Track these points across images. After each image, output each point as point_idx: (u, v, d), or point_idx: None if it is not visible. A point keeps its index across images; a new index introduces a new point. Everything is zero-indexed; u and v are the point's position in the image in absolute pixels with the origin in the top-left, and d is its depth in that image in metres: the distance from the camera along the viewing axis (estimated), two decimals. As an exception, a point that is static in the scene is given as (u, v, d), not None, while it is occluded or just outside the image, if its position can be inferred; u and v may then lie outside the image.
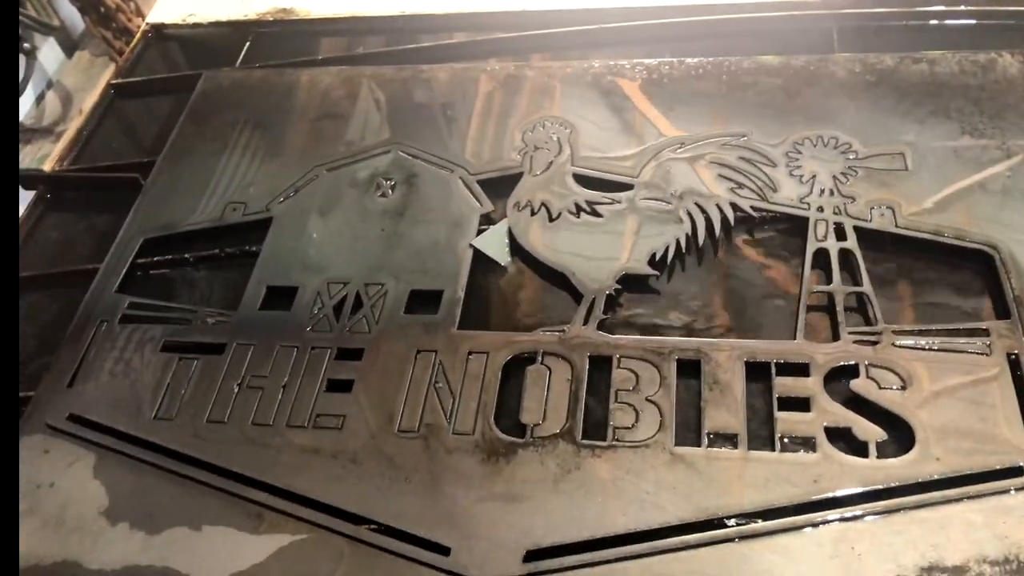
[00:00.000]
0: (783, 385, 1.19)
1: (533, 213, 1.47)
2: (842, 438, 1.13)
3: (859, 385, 1.17)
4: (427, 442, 1.21)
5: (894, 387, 1.16)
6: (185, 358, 1.37)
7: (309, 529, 1.15)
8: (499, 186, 1.54)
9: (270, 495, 1.19)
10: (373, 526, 1.14)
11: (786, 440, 1.14)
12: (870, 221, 1.36)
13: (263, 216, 1.57)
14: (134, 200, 1.66)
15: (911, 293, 1.30)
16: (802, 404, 1.17)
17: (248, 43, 2.05)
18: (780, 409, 1.17)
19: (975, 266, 1.30)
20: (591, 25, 1.89)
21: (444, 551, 1.10)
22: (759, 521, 1.08)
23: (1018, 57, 1.57)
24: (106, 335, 1.43)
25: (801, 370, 1.20)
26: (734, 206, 1.43)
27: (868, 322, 1.25)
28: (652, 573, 1.05)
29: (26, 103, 2.05)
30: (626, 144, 1.56)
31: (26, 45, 2.00)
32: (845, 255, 1.33)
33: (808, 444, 1.13)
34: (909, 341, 1.21)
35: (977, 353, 1.18)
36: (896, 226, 1.35)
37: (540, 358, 1.27)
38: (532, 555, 1.08)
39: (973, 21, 1.75)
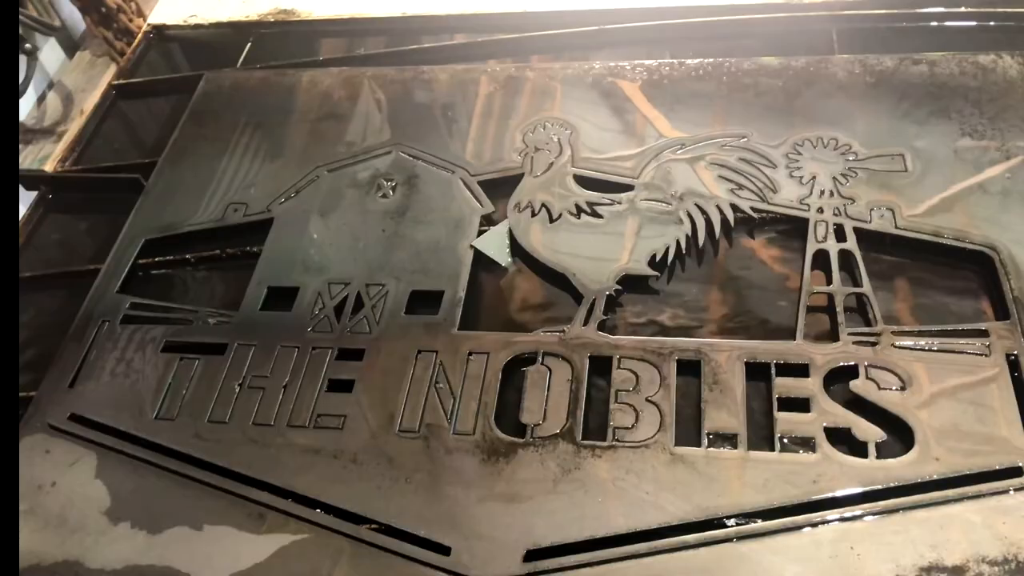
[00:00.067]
0: (783, 385, 1.19)
1: (534, 214, 1.48)
2: (842, 439, 1.14)
3: (859, 386, 1.18)
4: (428, 442, 1.21)
5: (894, 388, 1.17)
6: (186, 358, 1.37)
7: (310, 529, 1.15)
8: (500, 187, 1.55)
9: (271, 495, 1.20)
10: (374, 526, 1.15)
11: (786, 440, 1.14)
12: (870, 222, 1.36)
13: (264, 217, 1.58)
14: (135, 201, 1.66)
15: (910, 294, 1.31)
16: (802, 404, 1.17)
17: (249, 44, 2.05)
18: (780, 409, 1.17)
19: (974, 267, 1.31)
20: (591, 27, 1.89)
21: (444, 551, 1.11)
22: (759, 521, 1.08)
23: (1018, 59, 1.57)
24: (107, 335, 1.44)
25: (801, 371, 1.21)
26: (734, 207, 1.43)
27: (868, 323, 1.25)
28: (652, 573, 1.05)
29: (27, 103, 2.05)
30: (626, 145, 1.56)
31: (27, 45, 2.00)
32: (845, 256, 1.34)
33: (808, 444, 1.14)
34: (909, 342, 1.21)
35: (976, 354, 1.18)
36: (896, 227, 1.35)
37: (540, 358, 1.27)
38: (532, 555, 1.09)
39: (973, 22, 1.75)
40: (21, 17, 1.96)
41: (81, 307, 1.49)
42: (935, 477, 1.08)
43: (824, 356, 1.21)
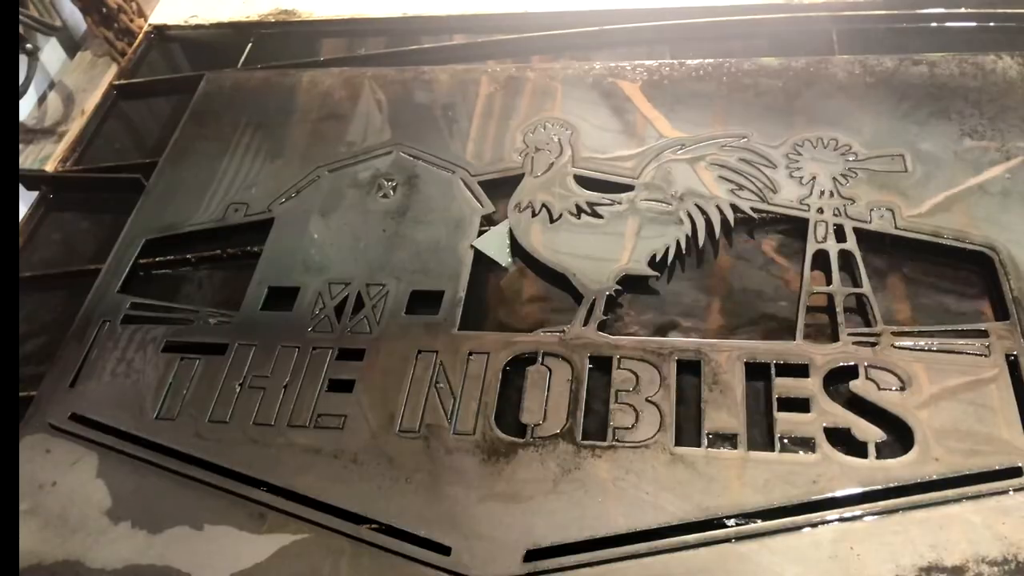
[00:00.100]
0: (783, 386, 1.19)
1: (534, 214, 1.48)
2: (841, 439, 1.14)
3: (858, 386, 1.18)
4: (428, 442, 1.21)
5: (893, 388, 1.17)
6: (187, 358, 1.37)
7: (310, 529, 1.16)
8: (500, 187, 1.55)
9: (272, 495, 1.20)
10: (374, 526, 1.15)
11: (786, 440, 1.15)
12: (870, 223, 1.36)
13: (265, 217, 1.58)
14: (136, 201, 1.67)
15: (910, 294, 1.31)
16: (802, 405, 1.17)
17: (250, 44, 2.05)
18: (780, 410, 1.17)
19: (974, 267, 1.31)
20: (592, 27, 1.89)
21: (445, 551, 1.11)
22: (758, 521, 1.08)
23: (1018, 59, 1.57)
24: (108, 335, 1.44)
25: (801, 371, 1.21)
26: (734, 207, 1.44)
27: (867, 323, 1.25)
28: (651, 573, 1.05)
29: (28, 103, 2.05)
30: (627, 145, 1.57)
31: (28, 45, 2.00)
32: (845, 256, 1.34)
33: (807, 445, 1.14)
34: (908, 342, 1.21)
35: (976, 354, 1.18)
36: (896, 227, 1.35)
37: (540, 359, 1.27)
38: (532, 555, 1.09)
39: (973, 23, 1.75)
40: (22, 17, 1.96)
41: (82, 307, 1.49)
42: (935, 477, 1.08)
43: (824, 356, 1.21)
